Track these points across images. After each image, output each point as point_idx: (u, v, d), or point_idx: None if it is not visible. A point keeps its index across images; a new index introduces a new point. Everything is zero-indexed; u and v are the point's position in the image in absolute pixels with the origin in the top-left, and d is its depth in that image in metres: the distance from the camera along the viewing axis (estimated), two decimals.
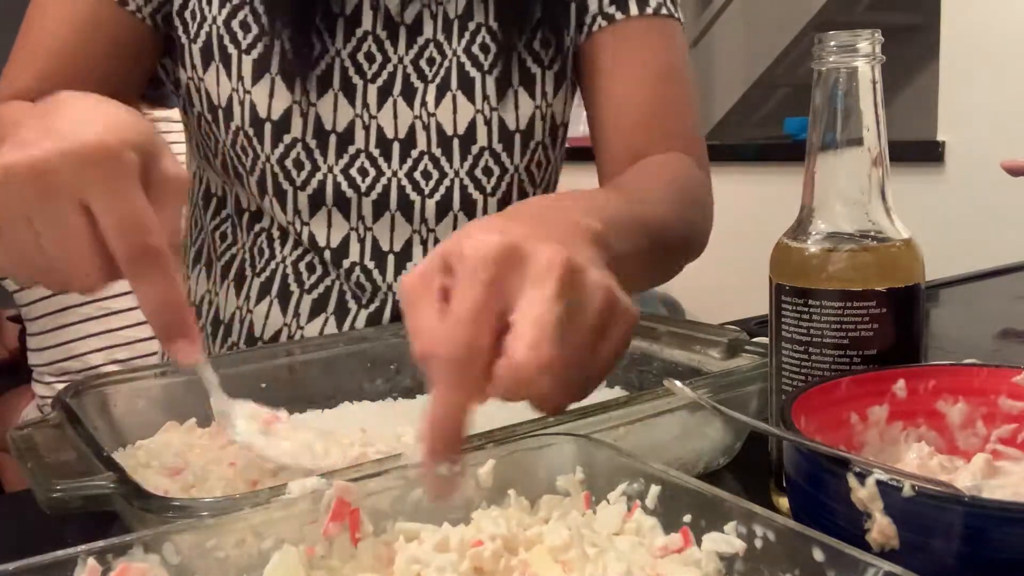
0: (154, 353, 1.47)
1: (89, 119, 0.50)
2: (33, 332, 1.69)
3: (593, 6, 0.90)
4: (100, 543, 0.40)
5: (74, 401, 0.62)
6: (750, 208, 2.05)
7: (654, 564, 0.43)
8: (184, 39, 0.86)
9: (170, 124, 1.71)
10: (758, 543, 0.40)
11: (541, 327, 0.45)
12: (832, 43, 0.52)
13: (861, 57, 0.52)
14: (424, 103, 0.87)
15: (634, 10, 0.89)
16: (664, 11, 0.90)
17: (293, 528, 0.43)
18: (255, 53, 0.84)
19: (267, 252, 0.90)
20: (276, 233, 0.89)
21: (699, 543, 0.43)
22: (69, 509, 0.49)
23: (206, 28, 0.85)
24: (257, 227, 0.90)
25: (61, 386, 1.14)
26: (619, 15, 0.89)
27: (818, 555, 0.37)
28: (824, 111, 0.53)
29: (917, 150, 2.28)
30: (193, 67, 0.86)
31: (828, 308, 0.52)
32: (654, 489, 0.46)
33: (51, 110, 0.53)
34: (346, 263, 0.88)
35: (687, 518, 0.44)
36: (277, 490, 0.46)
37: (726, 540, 0.41)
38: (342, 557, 0.44)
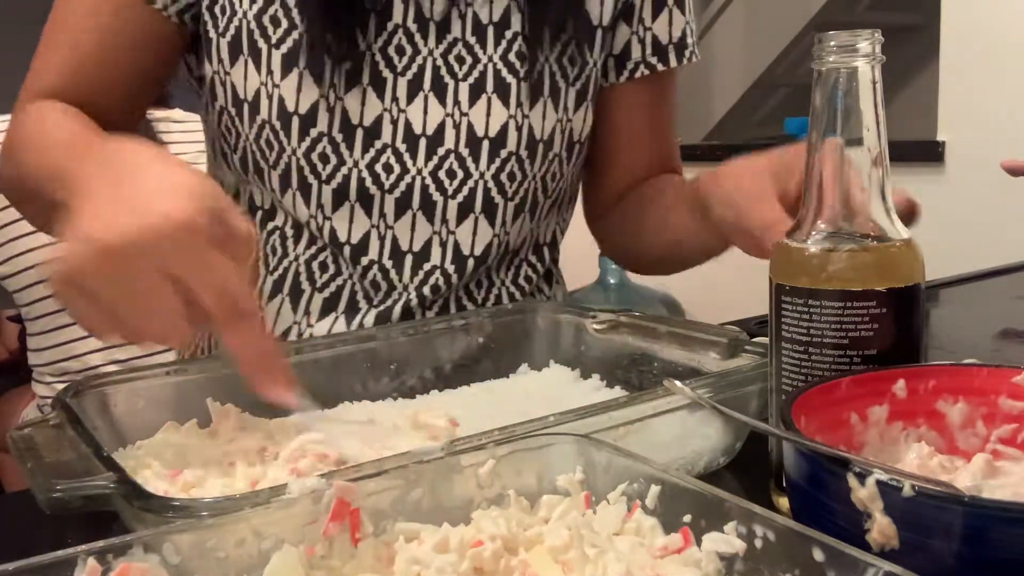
0: (154, 353, 1.47)
1: (160, 190, 0.54)
2: (33, 332, 1.69)
3: (636, 53, 0.95)
4: (100, 543, 0.40)
5: (74, 401, 0.62)
6: None
7: (654, 564, 0.42)
8: (213, 33, 0.86)
9: (170, 124, 1.71)
10: (758, 543, 0.40)
11: None
12: (832, 43, 0.52)
13: (861, 57, 0.52)
14: (457, 102, 0.87)
15: (673, 62, 0.97)
16: (695, 58, 0.98)
17: (293, 528, 0.43)
18: (284, 47, 0.84)
19: (280, 250, 0.90)
20: (290, 231, 0.90)
21: (699, 543, 0.43)
22: (69, 509, 0.49)
23: (235, 22, 0.85)
24: (271, 225, 0.91)
25: (61, 386, 1.14)
26: (660, 66, 0.96)
27: (818, 555, 0.37)
28: (824, 111, 0.53)
29: (917, 150, 2.27)
30: (220, 61, 0.86)
31: (828, 308, 0.52)
32: (654, 489, 0.46)
33: (119, 170, 0.58)
34: (364, 260, 0.88)
35: (687, 518, 0.44)
36: (277, 490, 0.46)
37: (726, 540, 0.41)
38: (342, 557, 0.44)
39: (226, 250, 0.55)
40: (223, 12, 0.86)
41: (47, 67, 0.87)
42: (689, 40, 0.97)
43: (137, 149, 0.60)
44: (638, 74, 0.96)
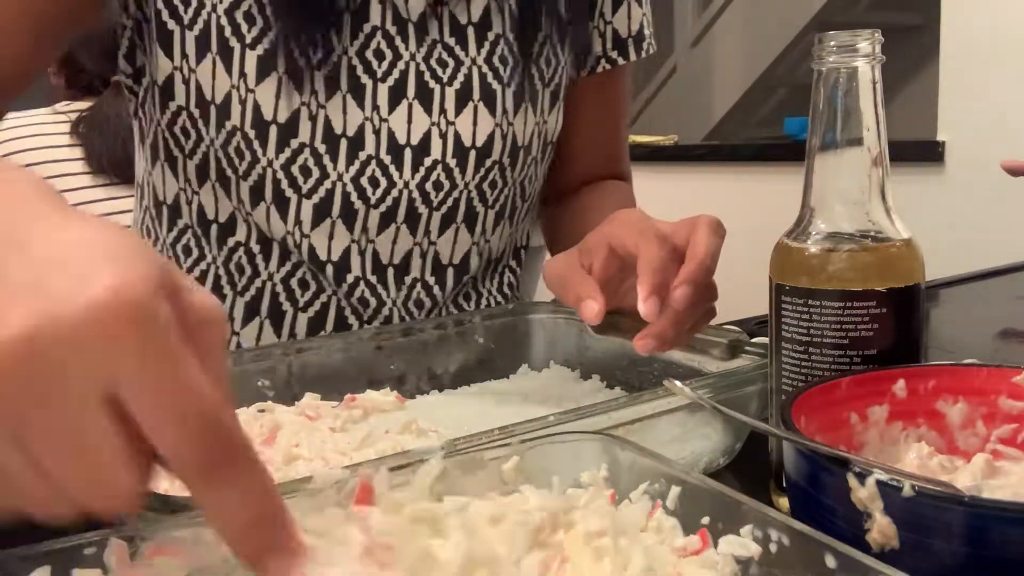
0: None
1: (86, 254, 0.31)
2: None
3: (597, 48, 0.95)
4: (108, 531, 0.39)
5: None
6: (750, 208, 2.05)
7: (675, 563, 0.42)
8: (173, 24, 0.79)
9: None
10: (772, 547, 0.40)
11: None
12: (832, 43, 0.52)
13: (861, 57, 0.52)
14: (444, 110, 0.83)
15: (633, 55, 0.96)
16: (651, 50, 0.97)
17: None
18: (260, 49, 0.78)
19: (248, 269, 0.85)
20: (256, 247, 0.84)
21: (716, 545, 0.42)
22: None
23: (204, 16, 0.78)
24: (231, 241, 0.85)
25: None
26: (621, 60, 0.95)
27: (830, 561, 0.37)
28: (824, 111, 0.53)
29: (917, 150, 2.28)
30: (184, 56, 0.79)
31: (828, 308, 0.52)
32: (675, 490, 0.45)
33: (11, 226, 0.32)
34: (349, 278, 0.84)
35: (705, 520, 0.43)
36: (286, 486, 0.45)
37: (742, 543, 0.41)
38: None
39: (191, 346, 0.32)
40: (186, 2, 0.78)
41: None
42: (646, 32, 0.96)
43: (29, 185, 0.34)
44: (599, 68, 0.95)
